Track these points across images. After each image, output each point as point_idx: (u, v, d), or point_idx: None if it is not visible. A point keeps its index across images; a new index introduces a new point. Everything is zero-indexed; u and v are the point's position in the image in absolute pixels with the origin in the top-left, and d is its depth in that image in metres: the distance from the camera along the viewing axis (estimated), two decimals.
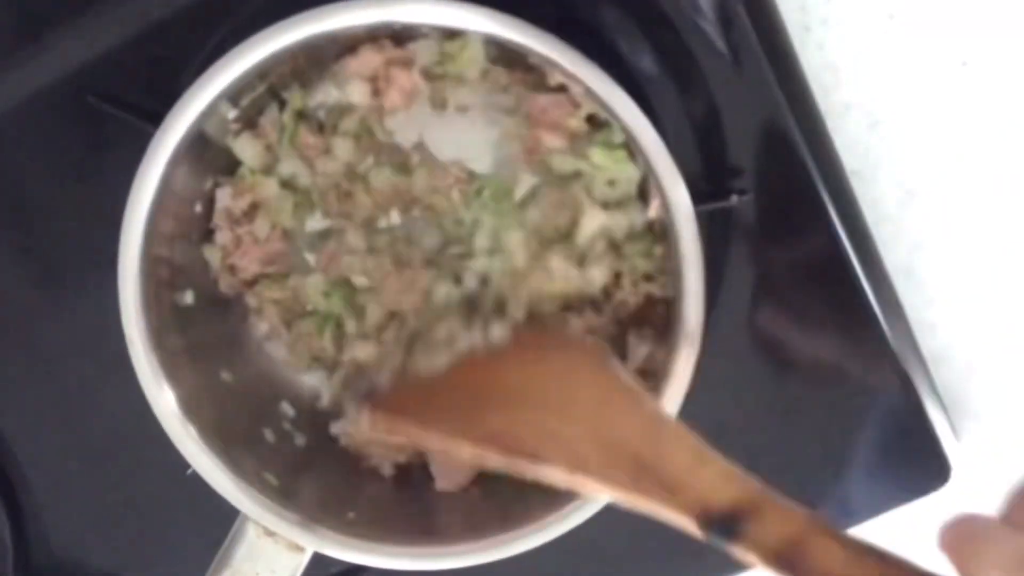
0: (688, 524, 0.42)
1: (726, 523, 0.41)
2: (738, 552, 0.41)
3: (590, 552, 0.59)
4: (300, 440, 0.57)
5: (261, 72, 0.50)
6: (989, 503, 0.44)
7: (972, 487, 0.60)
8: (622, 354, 0.55)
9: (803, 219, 0.56)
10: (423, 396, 0.53)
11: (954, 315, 0.61)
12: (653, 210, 0.52)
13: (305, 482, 0.54)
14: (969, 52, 0.58)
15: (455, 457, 0.52)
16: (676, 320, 0.51)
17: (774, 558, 0.40)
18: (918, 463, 0.59)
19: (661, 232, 0.53)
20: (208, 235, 0.56)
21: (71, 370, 0.60)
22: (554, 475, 0.46)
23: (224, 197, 0.55)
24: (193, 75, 0.50)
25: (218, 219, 0.56)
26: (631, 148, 0.51)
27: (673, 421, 0.48)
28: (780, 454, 0.59)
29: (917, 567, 0.39)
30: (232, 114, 0.52)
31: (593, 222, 0.53)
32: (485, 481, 0.57)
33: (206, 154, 0.53)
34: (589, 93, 0.49)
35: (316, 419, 0.58)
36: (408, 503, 0.56)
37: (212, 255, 0.56)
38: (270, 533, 0.52)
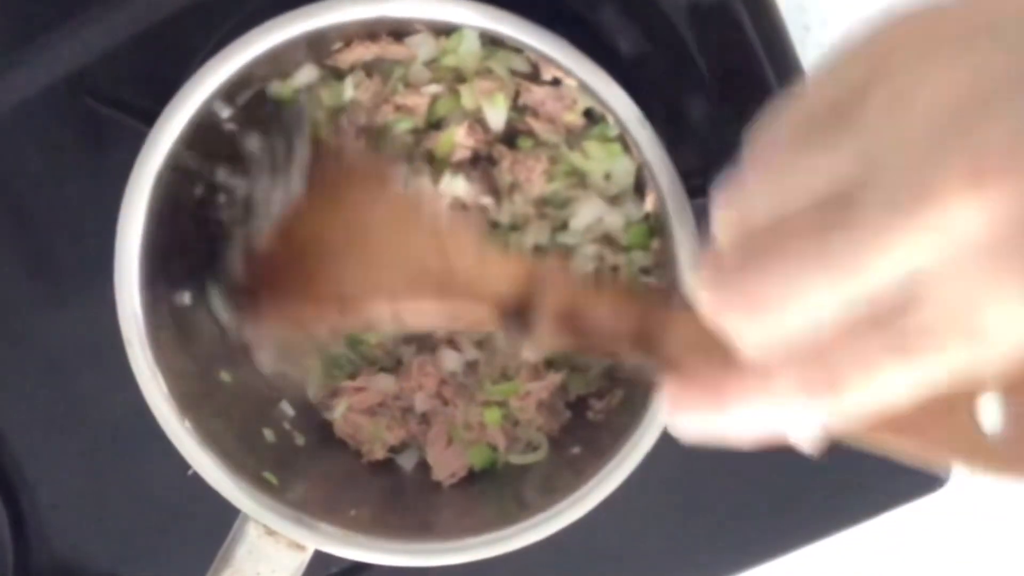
0: (493, 322, 0.46)
1: (518, 317, 0.45)
2: (537, 342, 0.45)
3: (590, 549, 0.59)
4: (300, 440, 0.57)
5: (256, 70, 0.50)
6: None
7: (969, 488, 0.60)
8: None
9: None
10: (279, 277, 0.53)
11: None
12: (649, 204, 0.52)
13: (305, 481, 0.54)
14: None
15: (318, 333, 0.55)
16: None
17: (557, 333, 0.44)
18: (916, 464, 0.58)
19: (658, 226, 0.53)
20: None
21: (71, 370, 0.60)
22: (381, 313, 0.49)
23: None
24: (191, 76, 0.50)
25: None
26: (626, 142, 0.51)
27: (449, 220, 0.50)
28: (777, 455, 0.58)
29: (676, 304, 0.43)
30: (227, 112, 0.52)
31: (592, 210, 0.53)
32: (485, 478, 0.57)
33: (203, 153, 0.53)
34: (584, 87, 0.49)
35: (316, 418, 0.59)
36: (409, 500, 0.56)
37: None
38: (271, 532, 0.51)
